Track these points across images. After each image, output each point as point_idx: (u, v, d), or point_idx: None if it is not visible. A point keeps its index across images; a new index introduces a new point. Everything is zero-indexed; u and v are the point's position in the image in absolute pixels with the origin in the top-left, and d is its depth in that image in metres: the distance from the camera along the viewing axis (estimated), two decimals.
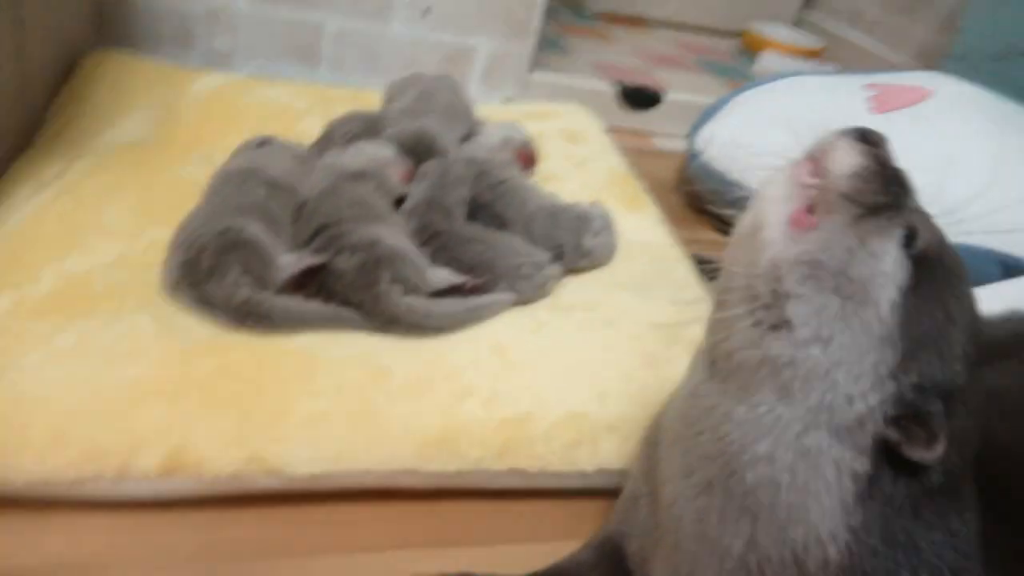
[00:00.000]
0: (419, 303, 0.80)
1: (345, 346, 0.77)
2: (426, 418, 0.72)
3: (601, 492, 0.76)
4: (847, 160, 0.49)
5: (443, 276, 0.84)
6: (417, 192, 0.93)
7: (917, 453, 0.44)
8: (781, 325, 0.46)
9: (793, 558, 0.46)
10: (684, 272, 1.01)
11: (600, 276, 0.98)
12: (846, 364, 0.45)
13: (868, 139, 0.50)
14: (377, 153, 0.97)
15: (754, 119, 1.31)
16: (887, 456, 0.45)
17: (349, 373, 0.74)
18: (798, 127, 1.32)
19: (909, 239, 0.46)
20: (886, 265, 0.46)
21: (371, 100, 1.21)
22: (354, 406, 0.71)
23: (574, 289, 0.95)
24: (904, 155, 1.19)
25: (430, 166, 0.96)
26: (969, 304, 0.48)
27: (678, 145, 1.53)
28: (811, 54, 2.16)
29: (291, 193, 0.92)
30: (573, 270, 0.98)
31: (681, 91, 1.72)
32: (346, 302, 0.79)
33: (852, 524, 0.45)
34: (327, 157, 0.97)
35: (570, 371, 0.80)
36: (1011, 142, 1.18)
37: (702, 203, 1.35)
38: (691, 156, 1.37)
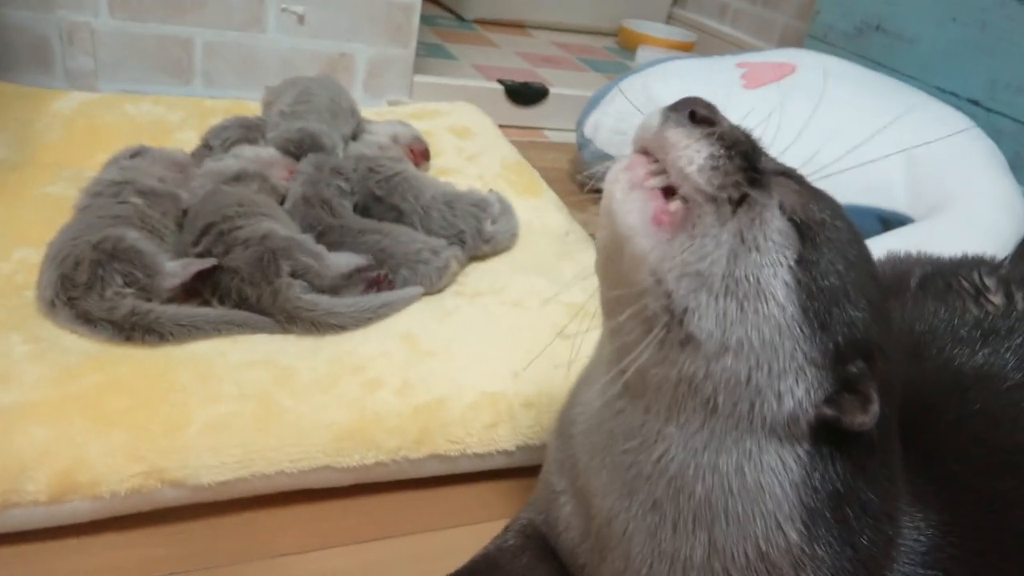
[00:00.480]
0: (322, 300, 0.77)
1: (244, 350, 0.73)
2: (337, 412, 0.69)
3: (527, 469, 0.75)
4: (691, 154, 0.43)
5: (345, 260, 0.81)
6: (293, 189, 0.91)
7: (855, 421, 0.42)
8: (687, 341, 0.43)
9: (757, 552, 0.45)
10: (587, 252, 1.02)
11: (504, 260, 0.98)
12: (763, 365, 0.43)
13: (699, 118, 0.44)
14: (259, 154, 0.93)
15: (637, 102, 1.34)
16: (826, 428, 0.44)
17: (250, 376, 0.70)
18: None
19: (783, 209, 0.44)
20: (771, 252, 0.43)
21: (250, 110, 1.17)
22: (258, 408, 0.67)
23: (479, 276, 0.94)
24: (782, 126, 1.25)
25: (303, 163, 0.94)
26: (858, 247, 0.46)
27: (568, 137, 1.55)
28: (684, 47, 2.25)
29: (172, 199, 0.88)
30: (477, 257, 0.97)
31: (565, 87, 1.75)
32: (242, 300, 0.76)
33: (805, 501, 0.44)
34: (207, 163, 0.93)
35: (481, 353, 0.78)
36: (874, 103, 1.25)
37: (598, 189, 1.37)
38: (581, 145, 1.39)
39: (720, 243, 0.43)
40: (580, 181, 1.43)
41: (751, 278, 0.42)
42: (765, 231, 0.43)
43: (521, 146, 1.38)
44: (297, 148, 0.98)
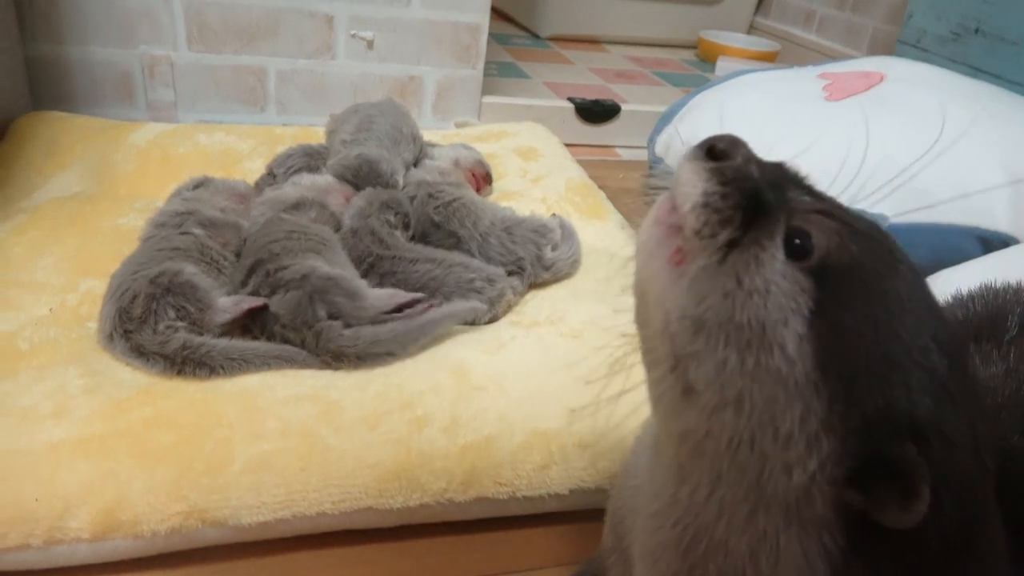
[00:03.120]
0: (364, 331, 0.75)
1: (291, 385, 0.72)
2: (382, 451, 0.67)
3: (581, 514, 0.71)
4: (689, 190, 0.40)
5: (386, 295, 0.79)
6: (344, 222, 0.90)
7: (892, 517, 0.34)
8: (688, 391, 0.38)
9: None
10: None
11: (565, 287, 0.94)
12: (767, 426, 0.36)
13: (716, 152, 0.40)
14: (315, 182, 0.93)
15: (711, 119, 1.28)
16: (865, 522, 0.35)
17: (295, 412, 0.69)
18: (755, 121, 1.30)
19: (799, 251, 0.37)
20: (778, 297, 0.37)
21: (317, 137, 1.18)
22: (302, 446, 0.66)
23: (538, 304, 0.90)
24: (867, 140, 1.17)
25: (356, 198, 0.93)
26: (915, 298, 0.38)
27: (642, 155, 1.50)
28: (767, 57, 2.16)
29: (233, 230, 0.88)
30: (537, 284, 0.94)
31: (639, 102, 1.70)
32: (288, 342, 0.75)
33: None
34: (266, 192, 0.94)
35: (535, 388, 0.75)
36: (970, 112, 1.16)
37: None
38: (652, 163, 1.34)
39: (715, 286, 0.37)
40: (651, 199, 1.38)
41: (753, 325, 0.36)
42: (764, 275, 0.37)
43: (592, 165, 1.35)
44: (355, 175, 0.98)
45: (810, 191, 0.40)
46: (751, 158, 0.40)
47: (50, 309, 0.79)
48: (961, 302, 0.71)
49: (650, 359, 0.41)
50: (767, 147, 1.32)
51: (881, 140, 1.14)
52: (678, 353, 0.38)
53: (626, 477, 0.53)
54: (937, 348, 0.36)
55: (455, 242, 0.93)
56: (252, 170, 1.10)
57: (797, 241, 0.37)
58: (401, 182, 1.01)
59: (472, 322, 0.84)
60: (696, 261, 0.38)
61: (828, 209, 0.39)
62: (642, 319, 0.43)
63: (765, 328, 0.36)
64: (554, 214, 1.02)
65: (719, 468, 0.38)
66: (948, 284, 0.77)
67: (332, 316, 0.74)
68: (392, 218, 0.91)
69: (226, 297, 0.78)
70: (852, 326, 0.36)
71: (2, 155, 1.06)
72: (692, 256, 0.39)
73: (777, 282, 0.37)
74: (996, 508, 0.39)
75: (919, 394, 0.35)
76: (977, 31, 1.49)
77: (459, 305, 0.82)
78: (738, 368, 0.36)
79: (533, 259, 0.92)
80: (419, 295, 0.79)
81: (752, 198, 0.38)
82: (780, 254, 0.37)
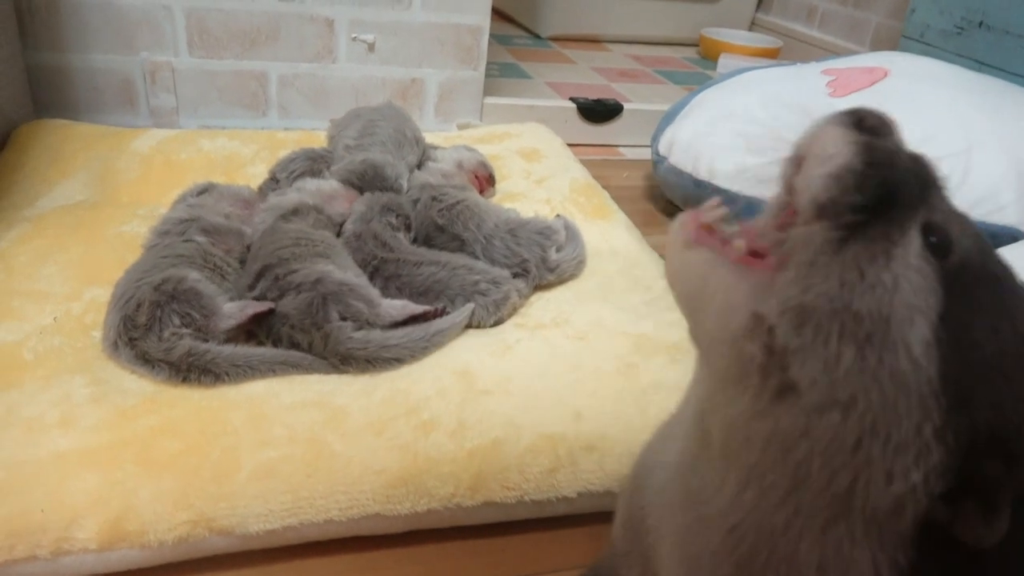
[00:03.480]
0: (374, 335, 0.75)
1: (297, 391, 0.72)
2: (388, 456, 0.66)
3: (589, 517, 0.70)
4: (832, 152, 0.36)
5: (399, 306, 0.79)
6: (346, 227, 0.90)
7: (972, 533, 0.33)
8: (785, 390, 0.35)
9: None
10: (657, 275, 0.97)
11: (570, 288, 0.94)
12: (880, 431, 0.33)
13: (866, 125, 0.37)
14: (320, 188, 0.93)
15: (714, 116, 1.28)
16: (936, 536, 0.34)
17: (302, 418, 0.68)
18: (758, 118, 1.29)
19: (938, 249, 0.35)
20: (906, 294, 0.34)
21: (320, 141, 1.18)
22: (308, 453, 0.66)
23: (543, 305, 0.90)
24: None
25: (357, 203, 0.93)
26: None
27: (645, 154, 1.50)
28: (769, 54, 2.15)
29: (236, 236, 0.88)
30: (542, 286, 0.93)
31: (642, 101, 1.70)
32: (294, 346, 0.75)
33: None
34: (270, 198, 0.93)
35: (541, 392, 0.75)
36: (975, 107, 1.15)
37: (674, 207, 1.32)
38: (656, 162, 1.34)
39: (830, 273, 0.34)
40: (656, 198, 1.38)
41: (876, 319, 0.33)
42: (893, 269, 0.34)
43: (595, 164, 1.35)
44: (360, 180, 0.97)
45: (946, 192, 0.38)
46: (902, 143, 0.37)
47: (54, 318, 0.79)
48: None
49: (727, 366, 0.38)
50: (769, 144, 1.31)
51: None
52: (776, 347, 0.35)
53: (644, 476, 0.52)
54: None
55: (459, 245, 0.93)
56: (255, 175, 1.10)
57: (934, 239, 0.35)
58: (406, 186, 1.01)
59: (477, 324, 0.84)
60: (809, 242, 0.35)
61: (962, 214, 0.37)
62: (708, 333, 0.39)
63: (891, 324, 0.33)
64: (559, 215, 1.02)
65: (806, 471, 0.35)
66: None
67: (343, 319, 0.74)
68: (394, 220, 0.91)
69: (231, 303, 0.78)
70: (978, 336, 0.34)
71: (5, 164, 1.06)
72: (797, 243, 0.35)
73: (909, 278, 0.34)
74: None
75: (1018, 412, 0.34)
76: (981, 24, 1.48)
77: (463, 310, 0.82)
78: (855, 365, 0.33)
79: (538, 261, 0.91)
80: (431, 308, 0.79)
81: (895, 188, 0.35)
82: (916, 249, 0.34)
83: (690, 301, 0.40)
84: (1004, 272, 0.36)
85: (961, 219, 0.36)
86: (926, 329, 0.33)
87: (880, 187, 0.35)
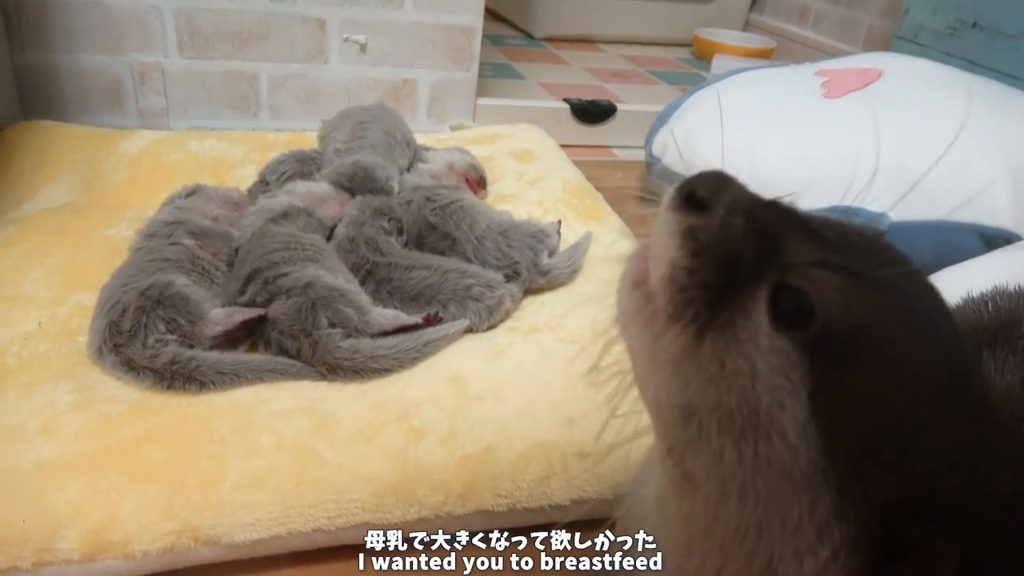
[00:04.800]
0: (363, 344, 0.74)
1: (286, 398, 0.71)
2: (378, 464, 0.65)
3: (582, 525, 0.69)
4: (659, 255, 0.35)
5: (390, 316, 0.78)
6: (338, 230, 0.89)
7: None
8: (688, 478, 0.35)
9: None
10: None
11: (563, 292, 0.93)
12: (774, 516, 0.33)
13: (695, 200, 0.35)
14: (311, 190, 0.92)
15: (707, 118, 1.27)
16: None
17: (289, 426, 0.67)
18: (752, 120, 1.28)
19: (793, 318, 0.32)
20: (769, 379, 0.32)
21: (310, 142, 1.17)
22: (296, 461, 0.64)
23: (536, 309, 0.89)
24: (866, 137, 1.15)
25: (348, 207, 0.92)
26: (939, 359, 0.33)
27: (638, 155, 1.49)
28: (763, 54, 2.15)
29: (224, 239, 0.87)
30: (533, 289, 0.92)
31: (635, 102, 1.69)
32: (283, 352, 0.74)
33: None
34: (259, 200, 0.92)
35: (533, 397, 0.74)
36: (969, 108, 1.14)
37: None
38: (650, 163, 1.33)
39: (698, 370, 0.33)
40: (649, 200, 1.37)
41: (745, 411, 0.32)
42: (746, 354, 0.32)
43: (588, 166, 1.34)
44: (350, 182, 0.97)
45: (813, 234, 0.35)
46: (736, 205, 0.35)
47: (39, 323, 0.78)
48: (972, 305, 0.69)
49: (654, 428, 0.38)
50: (764, 147, 1.31)
51: (879, 137, 1.13)
52: (671, 442, 0.35)
53: (635, 504, 0.51)
54: (965, 416, 0.33)
55: (450, 244, 0.92)
56: (245, 177, 1.09)
57: (787, 307, 0.32)
58: (396, 188, 1.00)
59: (470, 329, 0.83)
60: (676, 342, 0.34)
61: (830, 259, 0.33)
62: (639, 384, 0.39)
63: (759, 414, 0.32)
64: (559, 221, 1.01)
65: (727, 550, 0.34)
66: (952, 283, 0.76)
67: (333, 325, 0.73)
68: (386, 224, 0.90)
69: (219, 309, 0.76)
70: (860, 403, 0.32)
71: None
72: (671, 333, 0.34)
73: (765, 360, 0.32)
74: None
75: (941, 471, 0.32)
76: (974, 25, 1.47)
77: (457, 324, 0.81)
78: (736, 460, 0.33)
79: (529, 264, 0.90)
80: (421, 319, 0.78)
81: (727, 270, 0.34)
82: (764, 328, 0.32)
83: (629, 350, 0.39)
84: (887, 322, 0.33)
85: (827, 270, 0.33)
86: (798, 409, 0.32)
87: (710, 273, 0.34)
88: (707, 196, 0.34)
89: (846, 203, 1.10)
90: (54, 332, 0.77)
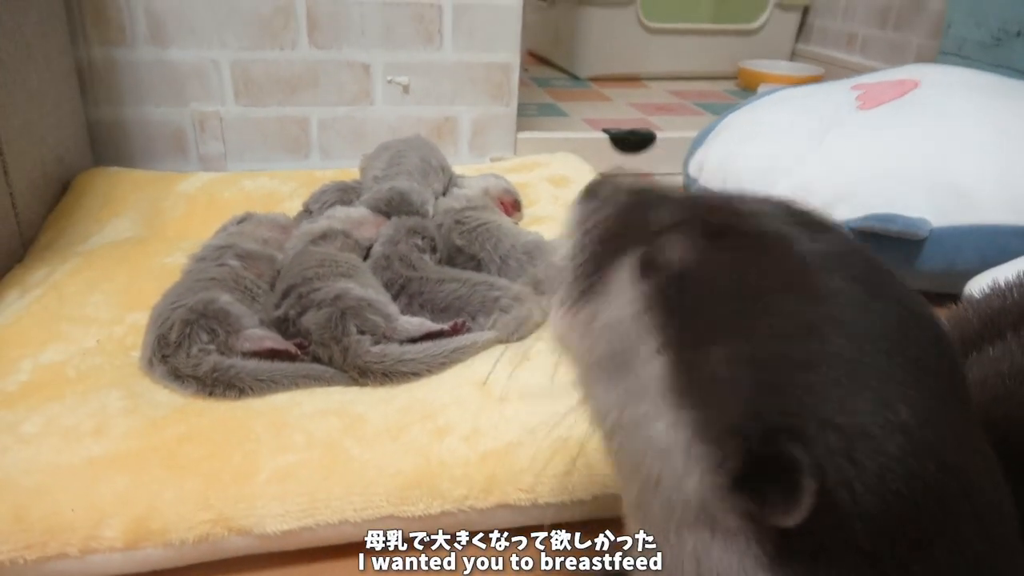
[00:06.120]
0: (391, 349, 0.77)
1: (318, 401, 0.74)
2: (403, 459, 0.68)
3: (605, 521, 0.70)
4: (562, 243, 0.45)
5: (416, 323, 0.81)
6: (375, 249, 0.93)
7: (780, 517, 0.32)
8: (593, 423, 0.43)
9: None
10: None
11: None
12: (648, 441, 0.36)
13: (589, 194, 0.45)
14: (349, 214, 0.97)
15: (743, 136, 1.28)
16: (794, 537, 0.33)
17: (320, 425, 0.70)
18: (786, 134, 1.28)
19: (647, 276, 0.39)
20: (624, 325, 0.38)
21: (354, 176, 1.23)
22: (325, 456, 0.67)
23: None
24: (904, 145, 1.14)
25: (385, 227, 0.96)
26: (780, 277, 0.36)
27: (679, 181, 1.51)
28: (810, 82, 2.14)
29: (268, 261, 0.92)
30: None
31: (676, 130, 1.71)
32: (315, 360, 0.77)
33: None
34: (302, 224, 0.98)
35: (557, 398, 0.75)
36: (1012, 112, 1.13)
37: None
38: (687, 184, 1.34)
39: (583, 333, 0.41)
40: None
41: (614, 355, 0.39)
42: (612, 306, 0.39)
43: None
44: (388, 206, 1.01)
45: (675, 206, 0.41)
46: (612, 195, 0.44)
47: (97, 340, 0.84)
48: (998, 291, 0.68)
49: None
50: (801, 159, 1.30)
51: (918, 144, 1.12)
52: (584, 398, 0.43)
53: None
54: (839, 338, 0.33)
55: (476, 265, 0.95)
56: (292, 209, 1.14)
57: (647, 264, 0.39)
58: (431, 211, 1.04)
59: (498, 340, 0.85)
60: (565, 316, 0.42)
61: (686, 221, 0.39)
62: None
63: (624, 354, 0.38)
64: None
65: (628, 478, 0.40)
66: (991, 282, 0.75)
67: (362, 332, 0.76)
68: (420, 242, 0.93)
69: (254, 329, 0.81)
70: (706, 334, 0.35)
71: (64, 207, 1.14)
72: (563, 310, 0.42)
73: (625, 309, 0.39)
74: (1000, 501, 0.35)
75: (801, 390, 0.33)
76: (1019, 34, 1.45)
77: (486, 334, 0.83)
78: (613, 399, 0.39)
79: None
80: (447, 326, 0.81)
81: (601, 245, 0.42)
82: (627, 285, 0.39)
83: None
84: (736, 265, 0.37)
85: (678, 232, 0.39)
86: (652, 342, 0.37)
87: (587, 252, 0.42)
88: (596, 187, 0.44)
89: (884, 211, 1.09)
90: (110, 348, 0.83)
